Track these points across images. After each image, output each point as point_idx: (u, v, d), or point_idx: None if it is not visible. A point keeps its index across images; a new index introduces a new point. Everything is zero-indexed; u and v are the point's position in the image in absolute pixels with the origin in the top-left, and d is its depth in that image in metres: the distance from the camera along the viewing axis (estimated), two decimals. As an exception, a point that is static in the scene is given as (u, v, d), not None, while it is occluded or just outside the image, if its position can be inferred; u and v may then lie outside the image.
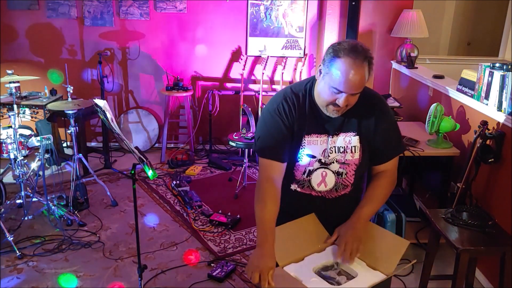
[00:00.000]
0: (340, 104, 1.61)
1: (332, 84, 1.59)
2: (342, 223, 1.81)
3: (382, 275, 1.65)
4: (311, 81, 1.75)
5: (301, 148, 1.74)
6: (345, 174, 1.79)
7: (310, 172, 1.78)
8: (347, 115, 1.72)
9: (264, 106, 1.84)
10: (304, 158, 1.75)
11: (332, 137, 1.74)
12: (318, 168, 1.77)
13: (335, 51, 1.59)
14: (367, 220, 1.80)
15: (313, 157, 1.75)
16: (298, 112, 1.73)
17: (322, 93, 1.66)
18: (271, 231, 1.69)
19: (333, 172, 1.77)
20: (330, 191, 1.81)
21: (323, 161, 1.76)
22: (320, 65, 1.65)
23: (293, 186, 1.83)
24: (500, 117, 2.75)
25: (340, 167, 1.77)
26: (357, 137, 1.75)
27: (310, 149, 1.74)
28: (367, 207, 1.79)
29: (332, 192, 1.81)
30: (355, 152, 1.76)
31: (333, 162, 1.76)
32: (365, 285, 1.60)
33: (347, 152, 1.75)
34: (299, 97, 1.74)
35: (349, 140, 1.75)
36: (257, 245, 1.68)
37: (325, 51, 1.64)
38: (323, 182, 1.79)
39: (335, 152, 1.75)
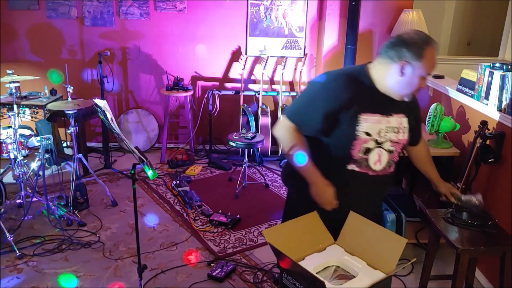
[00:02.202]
0: (425, 85, 1.84)
1: (422, 73, 1.78)
2: (380, 202, 2.19)
3: (383, 274, 1.65)
4: (364, 68, 1.90)
5: (358, 125, 1.83)
6: (394, 151, 1.93)
7: (367, 151, 1.87)
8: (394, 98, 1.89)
9: (315, 77, 1.93)
10: (361, 135, 1.84)
11: (387, 117, 1.88)
12: (375, 148, 1.87)
13: (416, 45, 1.76)
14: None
15: (369, 135, 1.85)
16: (355, 92, 1.83)
17: (408, 83, 1.81)
18: (313, 166, 1.87)
19: (386, 151, 1.90)
20: (383, 169, 1.92)
21: (378, 140, 1.87)
22: (402, 63, 1.78)
23: (350, 166, 1.89)
24: (500, 117, 2.75)
25: (391, 145, 1.90)
26: (406, 119, 1.94)
27: (366, 127, 1.84)
28: (433, 168, 2.26)
29: (385, 169, 1.93)
30: (405, 132, 1.94)
31: (387, 141, 1.89)
32: (365, 285, 1.60)
33: (399, 132, 1.91)
34: (355, 79, 1.87)
35: (401, 121, 1.91)
36: (311, 183, 1.85)
37: (395, 46, 1.79)
38: (378, 161, 1.90)
39: (390, 132, 1.89)
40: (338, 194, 1.86)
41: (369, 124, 1.84)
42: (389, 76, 1.83)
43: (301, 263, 1.71)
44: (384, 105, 1.87)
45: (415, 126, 2.03)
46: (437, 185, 2.26)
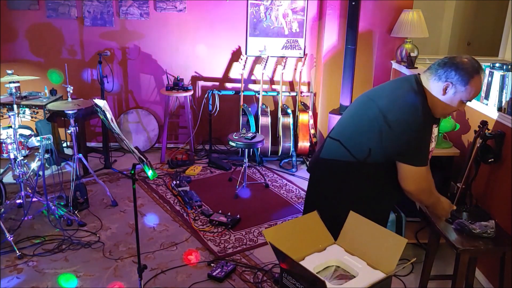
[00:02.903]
0: (463, 110, 2.05)
1: (465, 98, 1.89)
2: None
3: (383, 274, 1.65)
4: (418, 83, 1.97)
5: (431, 142, 2.01)
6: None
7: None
8: None
9: (403, 115, 1.95)
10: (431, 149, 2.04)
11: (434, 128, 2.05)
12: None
13: (466, 70, 1.86)
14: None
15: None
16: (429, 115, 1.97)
17: (449, 105, 1.93)
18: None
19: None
20: None
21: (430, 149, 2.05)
22: (447, 84, 1.88)
23: None
24: (500, 117, 2.75)
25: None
26: (437, 128, 2.09)
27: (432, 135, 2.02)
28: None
29: None
30: (434, 141, 2.08)
31: (430, 151, 2.05)
32: (365, 285, 1.60)
33: (433, 140, 2.04)
34: (424, 102, 1.95)
35: (434, 131, 2.04)
36: (442, 208, 2.22)
37: (446, 66, 1.89)
38: None
39: (434, 141, 2.05)
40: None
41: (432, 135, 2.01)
42: (432, 92, 1.93)
43: (301, 263, 1.71)
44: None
45: None
46: None
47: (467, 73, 1.84)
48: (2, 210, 3.43)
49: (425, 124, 1.92)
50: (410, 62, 4.21)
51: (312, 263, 1.73)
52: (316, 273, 1.68)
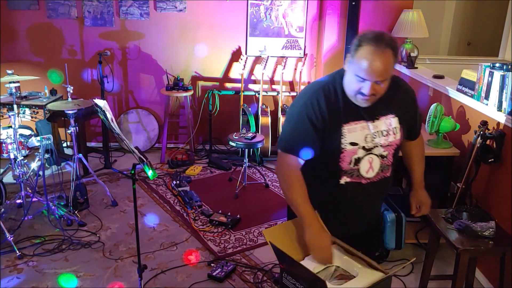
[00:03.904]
0: (366, 92, 1.65)
1: (356, 72, 1.64)
2: (379, 207, 2.07)
3: (382, 274, 1.65)
4: (340, 72, 1.77)
5: (342, 137, 1.75)
6: (387, 155, 1.83)
7: (357, 161, 1.78)
8: (382, 99, 1.74)
9: (293, 101, 1.84)
10: (348, 147, 1.75)
11: (374, 122, 1.77)
12: (364, 156, 1.78)
13: (359, 40, 1.64)
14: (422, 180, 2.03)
15: (356, 144, 1.76)
16: (330, 104, 1.74)
17: (349, 83, 1.70)
18: (311, 209, 1.75)
19: (377, 156, 1.80)
20: (377, 174, 1.83)
21: (366, 147, 1.77)
22: (348, 55, 1.70)
23: (343, 180, 1.81)
24: (500, 117, 2.75)
25: (383, 150, 1.81)
26: (396, 118, 1.82)
27: (352, 137, 1.75)
28: (419, 169, 2.04)
29: (378, 174, 1.84)
30: (396, 133, 1.82)
31: (376, 146, 1.79)
32: (365, 285, 1.60)
33: (389, 134, 1.80)
34: (330, 90, 1.76)
35: (390, 122, 1.80)
36: (306, 226, 1.71)
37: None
38: (370, 168, 1.81)
39: (379, 137, 1.79)
40: (335, 209, 1.85)
41: (354, 133, 1.75)
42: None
43: (301, 263, 1.71)
44: (367, 109, 1.74)
45: (412, 123, 1.93)
46: (414, 190, 2.06)
47: (356, 44, 1.64)
48: (2, 210, 3.43)
49: (301, 110, 1.75)
50: (410, 62, 4.22)
51: (312, 263, 1.72)
52: (316, 273, 1.68)
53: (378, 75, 1.62)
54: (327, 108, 1.73)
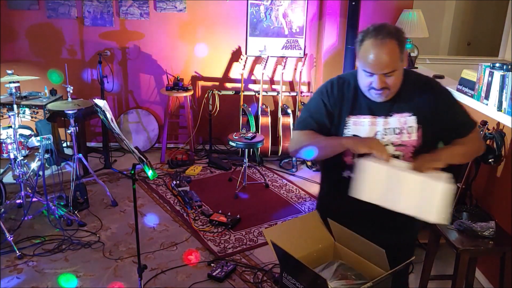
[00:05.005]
0: (376, 86, 1.62)
1: (363, 67, 1.62)
2: (401, 216, 1.64)
3: (383, 271, 1.62)
4: (357, 71, 1.76)
5: (346, 128, 1.72)
6: (402, 156, 1.72)
7: (360, 156, 1.65)
8: (399, 96, 1.70)
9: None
10: None
11: (386, 118, 1.71)
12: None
13: (361, 34, 1.63)
14: (447, 155, 1.67)
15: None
16: (342, 92, 1.75)
17: (360, 79, 1.68)
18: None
19: None
20: None
21: None
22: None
23: (346, 173, 1.75)
24: (500, 117, 2.75)
25: (395, 150, 1.71)
26: (414, 117, 1.71)
27: (356, 129, 1.72)
28: (454, 148, 1.74)
29: None
30: (412, 133, 1.71)
31: (388, 145, 1.71)
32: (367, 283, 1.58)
33: (403, 133, 1.71)
34: (344, 81, 1.77)
35: (405, 121, 1.71)
36: (345, 140, 1.66)
37: None
38: None
39: (390, 134, 1.71)
40: (339, 204, 1.79)
41: (359, 127, 1.70)
42: None
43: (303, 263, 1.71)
44: (379, 105, 1.70)
45: (443, 125, 1.73)
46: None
47: (360, 38, 1.63)
48: (2, 210, 3.43)
49: (316, 95, 1.80)
50: (410, 62, 4.22)
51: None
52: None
53: (382, 67, 1.59)
54: (338, 95, 1.75)
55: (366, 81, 1.65)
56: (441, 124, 1.74)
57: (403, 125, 1.71)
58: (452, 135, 1.78)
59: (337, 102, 1.75)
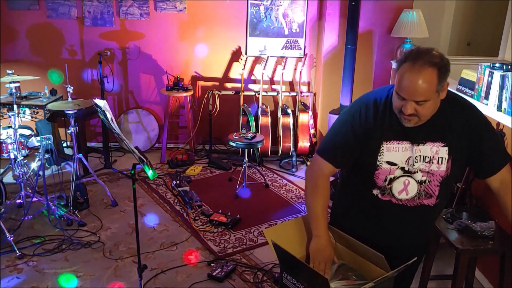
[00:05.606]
0: (405, 112, 1.57)
1: (396, 90, 1.58)
2: (419, 234, 1.84)
3: (384, 272, 1.63)
4: (393, 87, 1.67)
5: (380, 155, 1.68)
6: (428, 182, 1.70)
7: (392, 180, 1.70)
8: (434, 124, 1.65)
9: (345, 108, 1.82)
10: (383, 165, 1.68)
11: (418, 145, 1.67)
12: (400, 176, 1.69)
13: (403, 55, 1.58)
14: None
15: (394, 164, 1.68)
16: (377, 118, 1.68)
17: (393, 100, 1.63)
18: (326, 222, 1.78)
19: (416, 181, 1.69)
20: (411, 199, 1.72)
21: (406, 169, 1.68)
22: None
23: (375, 192, 1.75)
24: (500, 117, 2.75)
25: (423, 176, 1.69)
26: (446, 148, 1.66)
27: (390, 156, 1.68)
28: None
29: (414, 200, 1.72)
30: (441, 163, 1.67)
31: (417, 172, 1.69)
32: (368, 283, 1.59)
33: (433, 162, 1.67)
34: (379, 104, 1.69)
35: (436, 150, 1.67)
36: (316, 236, 1.75)
37: None
38: (404, 190, 1.70)
39: (420, 162, 1.68)
40: (363, 218, 1.80)
41: (394, 153, 1.67)
42: None
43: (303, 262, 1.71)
44: (415, 131, 1.64)
45: (484, 157, 1.70)
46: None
47: (402, 56, 1.58)
48: (2, 210, 3.43)
49: (347, 119, 1.73)
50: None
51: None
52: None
53: (415, 95, 1.53)
54: (373, 121, 1.67)
55: (398, 104, 1.60)
56: (480, 157, 1.71)
57: (434, 155, 1.68)
58: (486, 170, 1.75)
59: (373, 129, 1.68)
